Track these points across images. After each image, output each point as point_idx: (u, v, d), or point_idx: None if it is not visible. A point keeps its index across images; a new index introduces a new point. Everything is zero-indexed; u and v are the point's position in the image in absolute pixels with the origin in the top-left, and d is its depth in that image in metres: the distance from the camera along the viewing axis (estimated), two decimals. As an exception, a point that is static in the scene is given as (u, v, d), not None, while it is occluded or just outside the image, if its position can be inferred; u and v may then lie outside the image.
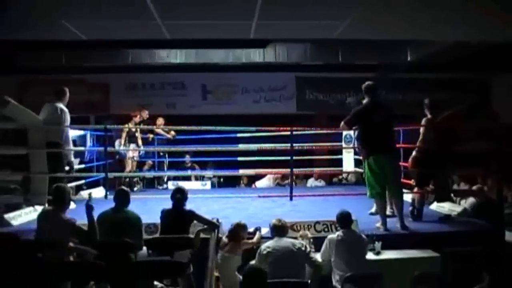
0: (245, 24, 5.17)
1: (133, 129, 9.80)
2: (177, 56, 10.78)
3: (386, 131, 6.29)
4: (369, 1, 4.45)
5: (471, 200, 8.06)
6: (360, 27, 5.25)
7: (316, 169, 11.15)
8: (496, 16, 4.95)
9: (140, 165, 10.46)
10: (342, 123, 6.58)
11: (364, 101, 6.45)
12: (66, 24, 5.06)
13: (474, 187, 8.66)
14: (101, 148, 8.63)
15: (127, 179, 9.64)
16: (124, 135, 9.79)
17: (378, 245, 5.70)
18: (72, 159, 7.48)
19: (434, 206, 7.45)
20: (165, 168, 10.88)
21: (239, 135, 10.12)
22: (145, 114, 10.23)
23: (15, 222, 6.47)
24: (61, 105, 7.16)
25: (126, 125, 9.71)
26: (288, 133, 8.38)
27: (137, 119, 9.89)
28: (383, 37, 6.71)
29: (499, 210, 6.70)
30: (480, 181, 10.43)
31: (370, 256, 5.52)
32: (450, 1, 4.44)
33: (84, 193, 8.63)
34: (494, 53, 9.35)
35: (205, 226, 5.54)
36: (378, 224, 6.35)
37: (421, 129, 6.97)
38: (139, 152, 10.10)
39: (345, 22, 5.05)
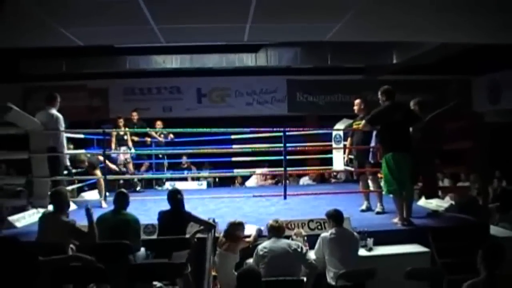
0: (239, 27, 5.02)
1: (121, 132, 9.52)
2: (172, 62, 10.70)
3: (404, 130, 6.27)
4: (361, 3, 4.30)
5: (456, 196, 7.93)
6: (352, 29, 5.13)
7: (307, 168, 10.95)
8: (484, 19, 4.84)
9: (137, 167, 10.21)
10: (364, 121, 6.59)
11: (385, 103, 6.37)
12: (62, 30, 4.89)
13: (461, 184, 8.54)
14: (100, 151, 8.39)
15: (122, 182, 9.34)
16: (113, 139, 9.44)
17: (370, 241, 5.60)
18: (68, 163, 7.26)
19: (422, 202, 7.31)
20: (165, 169, 10.63)
21: (233, 136, 9.94)
22: (135, 116, 10.07)
23: (19, 224, 6.43)
24: (54, 111, 6.92)
25: (126, 129, 9.47)
26: (281, 134, 8.16)
27: (121, 122, 9.55)
28: (374, 39, 6.65)
29: (484, 205, 6.59)
30: (463, 178, 10.37)
31: (362, 252, 5.41)
32: (441, 4, 4.30)
33: (86, 195, 8.45)
34: (473, 56, 9.27)
35: (202, 227, 5.38)
36: (396, 220, 6.26)
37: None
38: (130, 154, 9.78)
39: (338, 25, 4.91)
